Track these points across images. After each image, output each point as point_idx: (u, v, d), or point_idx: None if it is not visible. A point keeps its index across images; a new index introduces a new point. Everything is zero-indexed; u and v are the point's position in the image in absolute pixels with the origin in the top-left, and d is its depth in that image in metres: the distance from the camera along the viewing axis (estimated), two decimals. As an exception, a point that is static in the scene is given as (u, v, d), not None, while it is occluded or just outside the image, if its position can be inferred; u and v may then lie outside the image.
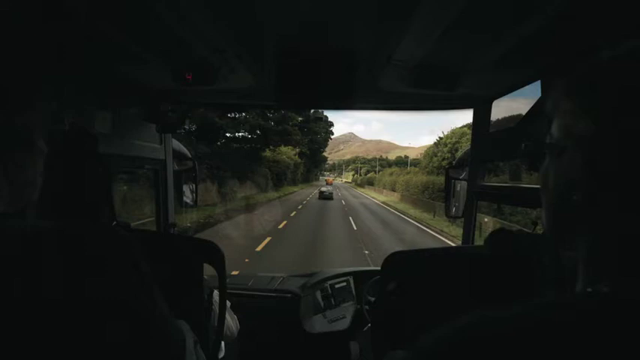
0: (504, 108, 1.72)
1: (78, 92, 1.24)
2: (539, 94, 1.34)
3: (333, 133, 63.86)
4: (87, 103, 1.30)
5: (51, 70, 1.11)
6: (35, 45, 1.06)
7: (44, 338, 0.46)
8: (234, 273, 3.43)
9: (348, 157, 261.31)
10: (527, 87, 1.46)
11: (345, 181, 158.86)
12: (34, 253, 0.48)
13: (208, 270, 1.23)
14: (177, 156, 2.07)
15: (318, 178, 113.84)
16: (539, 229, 1.20)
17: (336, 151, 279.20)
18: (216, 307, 1.26)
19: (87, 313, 0.48)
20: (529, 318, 0.34)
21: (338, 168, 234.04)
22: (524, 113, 1.46)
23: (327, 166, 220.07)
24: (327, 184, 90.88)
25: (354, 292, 2.35)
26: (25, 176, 0.55)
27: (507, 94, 1.61)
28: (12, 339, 0.45)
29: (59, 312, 0.47)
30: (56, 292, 0.47)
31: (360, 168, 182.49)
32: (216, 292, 1.29)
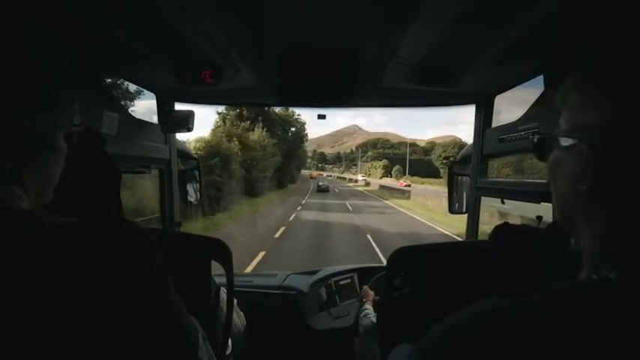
0: (507, 103, 1.73)
1: (85, 93, 1.26)
2: (541, 89, 1.34)
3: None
4: (94, 103, 1.31)
5: (58, 71, 1.12)
6: (42, 46, 1.07)
7: (63, 335, 0.47)
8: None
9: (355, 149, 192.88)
10: (529, 82, 1.47)
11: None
12: (53, 250, 0.49)
13: (215, 268, 1.24)
14: (181, 155, 2.09)
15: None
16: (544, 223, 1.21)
17: (339, 144, 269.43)
18: (223, 304, 1.28)
19: (105, 310, 0.49)
20: (531, 305, 0.35)
21: (347, 159, 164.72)
22: (526, 108, 1.46)
23: (328, 158, 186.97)
24: (311, 177, 74.36)
25: (358, 288, 2.36)
26: (48, 175, 0.56)
27: (509, 89, 1.61)
28: (26, 338, 0.46)
29: (78, 308, 0.48)
30: (75, 288, 0.48)
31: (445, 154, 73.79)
32: (223, 290, 1.30)
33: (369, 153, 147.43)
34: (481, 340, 0.34)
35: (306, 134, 46.09)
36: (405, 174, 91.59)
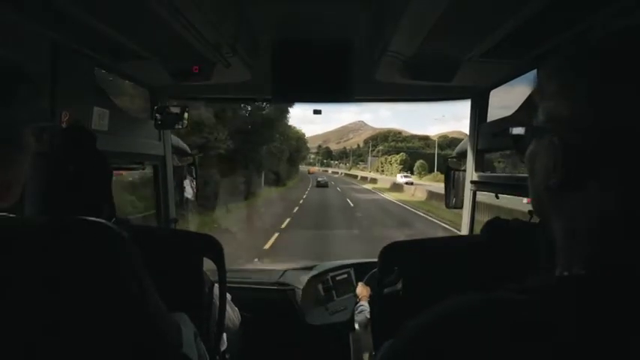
0: (502, 98, 1.71)
1: (75, 89, 1.26)
2: (535, 83, 1.33)
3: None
4: (86, 100, 1.31)
5: (48, 67, 1.12)
6: (32, 41, 1.08)
7: (34, 336, 0.47)
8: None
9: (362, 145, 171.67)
10: (524, 76, 1.45)
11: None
12: (24, 249, 0.49)
13: (210, 264, 1.25)
14: (177, 152, 2.09)
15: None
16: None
17: (345, 140, 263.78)
18: (217, 300, 1.28)
19: (77, 311, 0.49)
20: (497, 300, 0.35)
21: (354, 154, 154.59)
22: (521, 103, 1.45)
23: (334, 154, 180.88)
24: (309, 173, 66.20)
25: (355, 284, 2.37)
26: (11, 174, 0.54)
27: (504, 83, 1.60)
28: (4, 338, 0.46)
29: (47, 309, 0.48)
30: (43, 288, 0.48)
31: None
32: (217, 286, 1.30)
33: (380, 147, 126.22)
34: (448, 338, 0.34)
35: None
36: (432, 171, 66.20)
